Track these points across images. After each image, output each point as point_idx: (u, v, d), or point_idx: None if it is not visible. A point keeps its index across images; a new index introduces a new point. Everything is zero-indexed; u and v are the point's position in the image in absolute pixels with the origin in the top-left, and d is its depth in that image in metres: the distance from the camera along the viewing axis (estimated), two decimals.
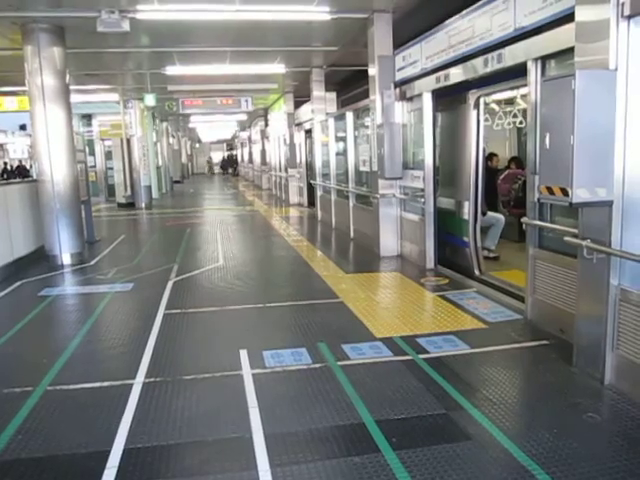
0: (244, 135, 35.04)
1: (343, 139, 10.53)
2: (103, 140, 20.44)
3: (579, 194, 3.25)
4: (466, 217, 6.56)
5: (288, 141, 16.05)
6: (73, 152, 8.27)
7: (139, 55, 10.55)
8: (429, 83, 6.68)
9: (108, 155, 20.01)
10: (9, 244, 7.48)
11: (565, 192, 3.31)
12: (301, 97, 15.17)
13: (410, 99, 7.47)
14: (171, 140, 29.59)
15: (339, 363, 4.00)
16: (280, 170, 18.85)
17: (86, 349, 4.54)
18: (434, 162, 6.98)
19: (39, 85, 7.72)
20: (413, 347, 4.26)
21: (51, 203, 7.99)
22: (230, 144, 50.45)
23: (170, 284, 6.60)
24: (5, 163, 29.53)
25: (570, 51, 3.67)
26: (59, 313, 5.83)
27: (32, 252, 8.16)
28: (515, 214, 7.67)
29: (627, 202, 3.31)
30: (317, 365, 3.98)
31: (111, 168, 19.04)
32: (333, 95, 12.80)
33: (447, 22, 6.05)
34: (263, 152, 23.55)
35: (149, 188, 18.01)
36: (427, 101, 6.87)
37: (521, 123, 7.56)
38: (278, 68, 11.69)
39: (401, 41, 7.46)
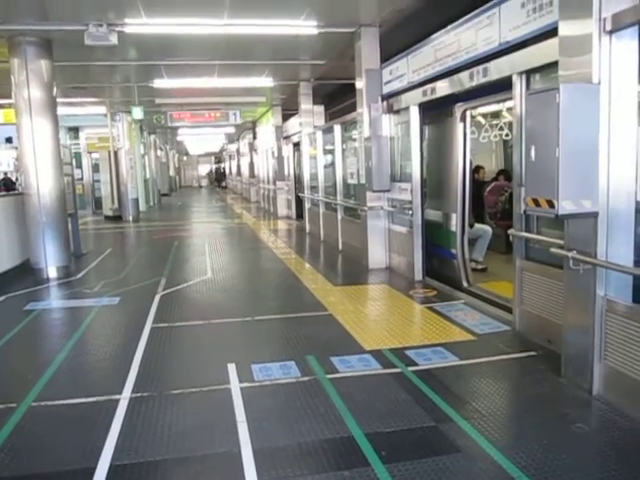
0: (232, 148, 35.07)
1: (331, 152, 10.56)
2: (90, 153, 20.34)
3: (565, 206, 3.28)
4: (454, 229, 6.59)
5: (276, 154, 16.08)
6: (60, 165, 8.23)
7: (127, 68, 10.54)
8: (416, 96, 6.74)
9: (95, 168, 19.88)
10: None
11: (551, 204, 3.34)
12: (289, 110, 15.23)
13: (397, 112, 7.52)
14: (159, 153, 29.52)
15: (328, 376, 3.98)
16: (268, 183, 18.86)
17: (72, 364, 4.48)
18: (421, 175, 7.02)
19: (26, 98, 7.69)
20: (402, 359, 4.25)
21: (37, 216, 7.92)
22: (218, 157, 50.42)
23: (157, 297, 6.55)
24: None
25: (554, 65, 3.73)
26: (44, 328, 5.76)
27: (17, 266, 8.07)
28: (502, 226, 7.72)
29: (612, 213, 3.35)
30: (306, 378, 3.96)
31: (98, 181, 18.95)
32: (321, 108, 12.86)
33: (433, 36, 6.13)
34: (251, 165, 23.56)
35: (136, 201, 17.93)
36: (414, 114, 6.93)
37: (507, 136, 7.64)
38: (266, 81, 11.74)
39: (388, 55, 7.53)
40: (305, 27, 7.59)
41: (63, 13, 6.83)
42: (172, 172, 39.85)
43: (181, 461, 2.93)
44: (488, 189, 8.50)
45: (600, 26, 3.25)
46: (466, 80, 5.52)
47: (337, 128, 9.93)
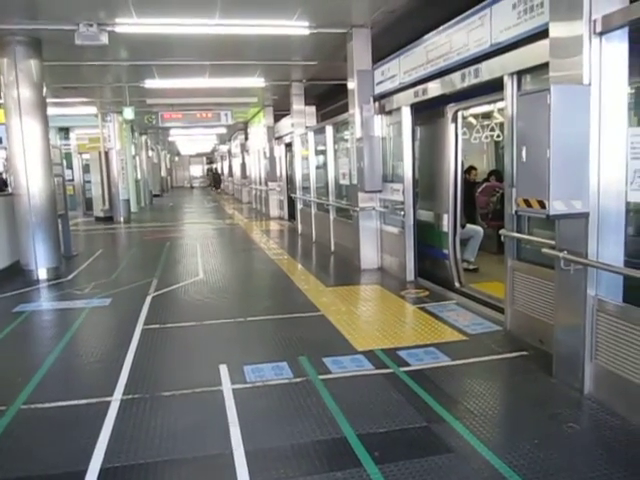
0: (224, 148, 35.01)
1: (323, 152, 10.56)
2: (81, 153, 20.22)
3: (556, 206, 3.30)
4: (445, 229, 6.61)
5: (268, 154, 16.06)
6: (50, 165, 8.17)
7: (118, 68, 10.48)
8: (408, 97, 6.75)
9: (86, 168, 19.77)
10: None
11: (542, 204, 3.36)
12: (281, 111, 15.20)
13: (389, 113, 7.54)
14: (150, 153, 29.39)
15: (320, 377, 3.97)
16: (260, 183, 18.83)
17: (62, 366, 4.45)
18: (413, 175, 7.03)
19: (15, 98, 7.63)
20: (394, 360, 4.25)
21: (27, 217, 7.86)
22: (210, 157, 50.29)
23: (149, 299, 6.52)
24: None
25: (545, 66, 3.75)
26: (34, 330, 5.71)
27: (7, 267, 8.01)
28: (493, 226, 7.75)
29: (602, 214, 3.37)
30: (298, 379, 3.95)
31: (89, 181, 18.84)
32: (313, 109, 12.86)
33: (425, 37, 6.14)
34: (243, 165, 23.52)
35: (128, 202, 17.82)
36: (406, 115, 6.94)
37: (498, 137, 7.67)
38: (258, 82, 11.72)
39: (380, 56, 7.54)
40: (297, 27, 7.59)
41: (53, 12, 6.77)
42: (164, 173, 39.69)
43: (173, 463, 2.92)
44: (479, 190, 8.53)
45: (590, 28, 3.27)
46: (458, 81, 5.54)
47: (329, 129, 9.93)
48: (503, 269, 4.86)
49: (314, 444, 3.05)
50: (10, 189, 7.84)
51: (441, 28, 5.76)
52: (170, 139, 30.12)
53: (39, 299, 6.88)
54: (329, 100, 13.45)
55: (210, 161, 51.39)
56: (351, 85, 8.02)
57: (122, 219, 17.01)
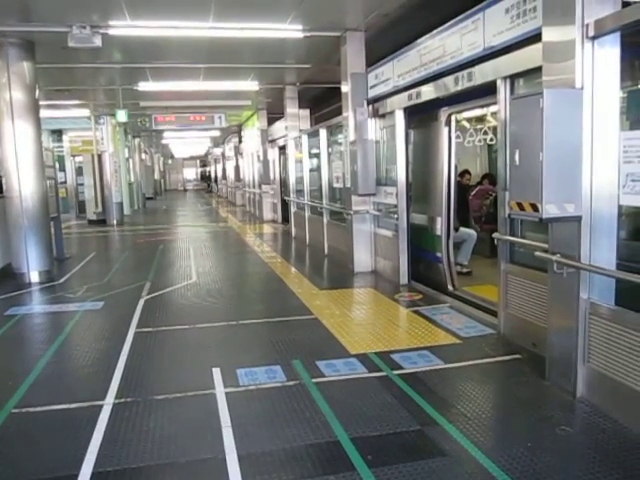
0: (218, 151, 34.96)
1: (317, 156, 10.57)
2: (74, 156, 20.14)
3: (548, 210, 3.31)
4: (439, 233, 6.62)
5: (262, 157, 16.05)
6: (42, 168, 8.13)
7: (111, 71, 10.45)
8: (401, 100, 6.77)
9: (79, 171, 19.69)
10: None
11: (535, 208, 3.37)
12: (275, 114, 15.21)
13: (383, 116, 7.55)
14: (143, 156, 29.31)
15: (314, 380, 3.96)
16: (254, 187, 18.82)
17: (54, 370, 4.42)
18: (407, 178, 7.04)
19: (7, 100, 7.59)
20: (387, 363, 4.25)
21: (19, 220, 7.81)
22: (203, 160, 50.23)
23: (142, 302, 6.49)
24: None
25: (538, 70, 3.77)
26: (26, 333, 5.67)
27: None
28: (487, 230, 7.76)
29: (595, 217, 3.38)
30: (291, 383, 3.94)
31: (82, 184, 18.76)
32: (307, 112, 12.89)
33: (418, 41, 6.16)
34: (237, 168, 23.51)
35: (121, 205, 17.77)
36: (399, 118, 6.96)
37: (491, 140, 7.70)
38: (252, 85, 11.72)
39: (373, 59, 7.56)
40: (291, 31, 7.59)
41: (46, 14, 6.74)
42: (157, 176, 39.57)
43: (165, 467, 2.90)
44: (473, 193, 8.55)
45: (583, 32, 3.29)
46: (451, 84, 5.56)
47: (323, 132, 9.94)
48: (496, 272, 4.87)
49: (307, 448, 3.04)
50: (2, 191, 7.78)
51: (435, 32, 5.78)
52: (164, 142, 30.08)
53: (31, 302, 6.83)
54: (323, 103, 13.47)
55: (204, 164, 51.31)
56: (345, 88, 8.03)
57: (115, 222, 16.97)
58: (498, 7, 4.60)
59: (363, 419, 3.34)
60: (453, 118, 6.37)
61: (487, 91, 4.95)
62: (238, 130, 22.22)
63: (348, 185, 8.09)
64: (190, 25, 7.25)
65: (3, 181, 7.74)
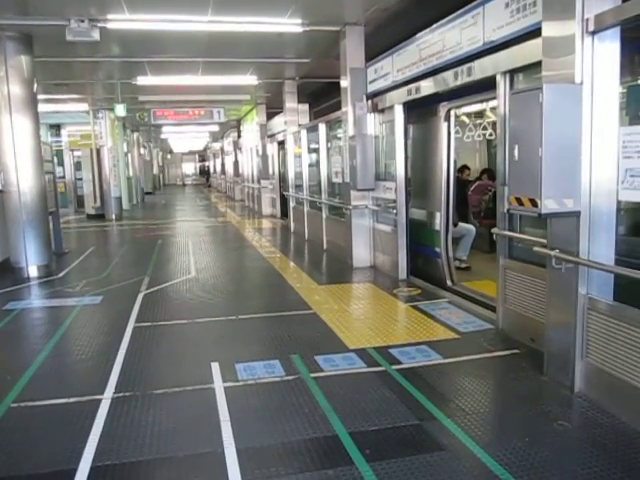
0: (216, 146, 34.89)
1: (316, 150, 10.55)
2: (72, 150, 20.09)
3: (547, 205, 3.31)
4: (438, 228, 6.62)
5: (261, 152, 16.03)
6: (41, 162, 8.11)
7: (109, 65, 10.41)
8: (400, 95, 6.75)
9: (77, 166, 19.66)
10: None
11: (534, 203, 3.37)
12: (274, 108, 15.18)
13: (382, 111, 7.53)
14: (142, 151, 29.26)
15: (312, 375, 3.97)
16: (253, 181, 18.80)
17: (52, 364, 4.42)
18: (406, 173, 7.03)
19: (5, 94, 7.56)
20: (386, 358, 4.26)
21: (18, 214, 7.80)
22: (202, 155, 50.14)
23: (140, 297, 6.49)
24: None
25: (537, 65, 3.76)
26: (25, 327, 5.67)
27: None
28: (485, 225, 7.77)
29: (594, 212, 3.38)
30: (290, 377, 3.95)
31: (80, 179, 18.73)
32: (306, 107, 12.84)
33: (418, 35, 6.14)
34: (236, 163, 23.48)
35: (119, 199, 17.74)
36: (399, 113, 6.94)
37: (491, 135, 7.69)
38: (250, 79, 11.68)
39: (373, 54, 7.54)
40: (290, 25, 7.57)
41: (44, 8, 6.71)
42: (156, 170, 39.53)
43: (164, 462, 2.90)
44: (472, 188, 8.55)
45: (583, 27, 3.28)
46: (450, 79, 5.54)
47: (322, 127, 9.92)
48: (495, 267, 4.88)
49: (306, 442, 3.04)
50: (0, 186, 7.76)
51: (434, 26, 5.76)
52: (162, 136, 30.01)
53: (29, 297, 6.83)
54: (322, 98, 13.43)
55: (202, 159, 51.22)
56: (344, 83, 8.01)
57: (114, 217, 16.95)
58: (498, 1, 4.58)
59: (361, 414, 3.35)
60: (452, 113, 6.36)
61: (486, 86, 4.94)
62: (237, 125, 22.18)
63: (347, 180, 8.08)
64: (189, 19, 7.22)
65: (1, 176, 7.71)
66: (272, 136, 15.35)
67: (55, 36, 7.30)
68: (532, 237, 4.30)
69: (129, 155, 22.47)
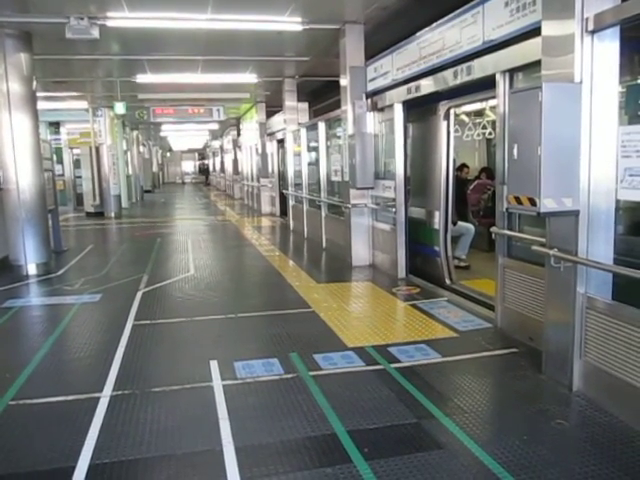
0: (216, 144, 34.87)
1: (315, 149, 10.55)
2: (72, 148, 20.06)
3: (546, 204, 3.31)
4: (437, 227, 6.62)
5: (260, 151, 16.02)
6: (40, 160, 8.10)
7: (109, 63, 10.41)
8: (400, 94, 6.75)
9: (77, 163, 19.65)
10: None
11: (533, 202, 3.37)
12: (273, 107, 15.16)
13: (381, 110, 7.53)
14: (142, 149, 29.22)
15: (311, 373, 3.97)
16: (252, 180, 18.79)
17: (51, 362, 4.42)
18: (405, 172, 7.03)
19: (4, 92, 7.54)
20: (385, 356, 4.26)
21: (17, 212, 7.79)
22: (202, 153, 50.09)
23: (139, 295, 6.48)
24: None
25: (537, 64, 3.76)
26: (23, 325, 5.67)
27: None
28: (484, 224, 7.77)
29: (592, 211, 3.38)
30: (289, 375, 3.95)
31: (80, 177, 18.70)
32: (305, 105, 12.83)
33: (418, 34, 6.13)
34: (235, 162, 23.46)
35: (118, 197, 17.73)
36: (398, 112, 6.94)
37: (490, 134, 7.69)
38: (250, 78, 11.68)
39: (373, 52, 7.53)
40: (289, 23, 7.56)
41: (43, 5, 6.71)
42: (155, 168, 39.45)
43: (162, 459, 2.90)
44: (471, 187, 8.55)
45: (582, 26, 3.28)
46: (450, 78, 5.54)
47: (321, 125, 9.91)
48: (494, 266, 4.88)
49: (304, 440, 3.05)
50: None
51: (434, 25, 5.76)
52: (162, 134, 29.98)
53: (28, 294, 6.83)
54: (322, 96, 13.43)
55: (202, 157, 51.18)
56: (344, 82, 8.01)
57: (113, 215, 16.94)
58: (497, 0, 4.58)
59: (360, 412, 3.35)
60: (452, 112, 6.36)
61: (486, 85, 4.94)
62: (237, 123, 22.15)
63: (346, 178, 8.08)
64: (188, 17, 7.23)
65: (1, 173, 7.71)
66: (271, 134, 15.34)
67: (54, 34, 7.30)
68: (531, 236, 4.30)
69: (128, 153, 22.44)
